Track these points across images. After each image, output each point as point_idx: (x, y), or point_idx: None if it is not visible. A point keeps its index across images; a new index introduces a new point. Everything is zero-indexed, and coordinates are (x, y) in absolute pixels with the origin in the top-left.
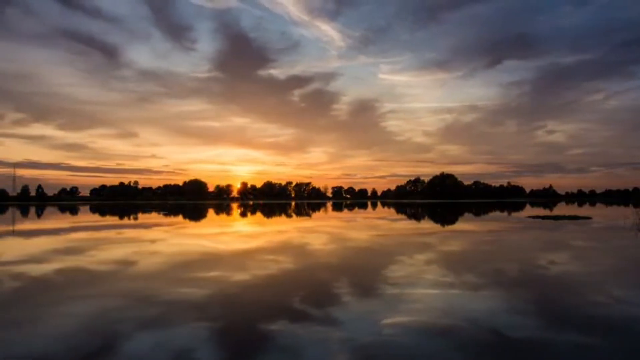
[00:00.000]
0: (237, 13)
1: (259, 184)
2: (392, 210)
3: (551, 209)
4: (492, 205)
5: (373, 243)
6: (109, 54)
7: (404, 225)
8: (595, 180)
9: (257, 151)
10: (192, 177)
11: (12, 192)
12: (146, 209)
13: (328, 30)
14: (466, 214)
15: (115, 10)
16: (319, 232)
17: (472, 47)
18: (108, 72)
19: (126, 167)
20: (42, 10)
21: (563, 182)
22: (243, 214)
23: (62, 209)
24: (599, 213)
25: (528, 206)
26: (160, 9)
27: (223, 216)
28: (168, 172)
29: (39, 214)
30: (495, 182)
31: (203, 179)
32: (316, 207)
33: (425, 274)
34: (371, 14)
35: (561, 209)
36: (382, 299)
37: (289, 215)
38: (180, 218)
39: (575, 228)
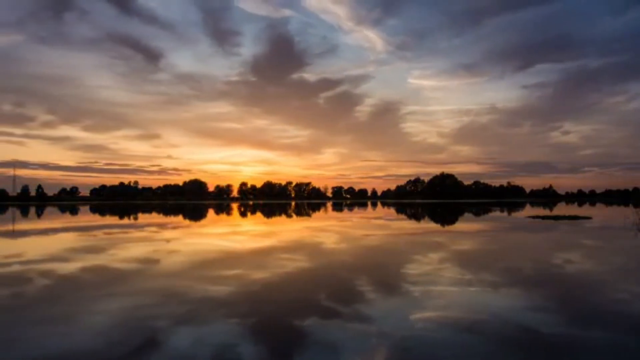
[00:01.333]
0: (285, 19)
1: (259, 184)
2: (393, 210)
3: (551, 209)
4: (492, 205)
5: (383, 242)
6: (152, 58)
7: (409, 225)
8: (595, 180)
9: (272, 152)
10: (202, 177)
11: (12, 192)
12: (147, 209)
13: (370, 36)
14: (468, 214)
15: (169, 16)
16: (328, 232)
17: (505, 52)
18: (145, 75)
19: (129, 167)
20: (99, 15)
21: (564, 182)
22: (247, 214)
23: (65, 209)
24: (599, 213)
25: (528, 206)
26: (212, 15)
27: (228, 216)
28: (170, 172)
29: (46, 214)
30: (497, 182)
31: (212, 179)
32: (317, 207)
33: (441, 272)
34: (413, 21)
35: (561, 209)
36: (405, 295)
37: (292, 216)
38: (186, 218)
39: (576, 228)
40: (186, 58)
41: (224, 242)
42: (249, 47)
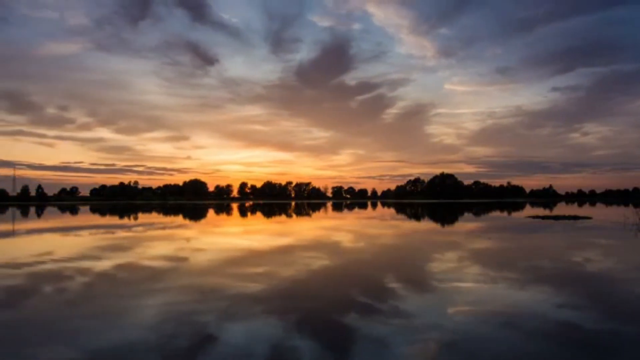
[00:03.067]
0: (346, 28)
1: (259, 184)
2: (395, 210)
3: (551, 209)
4: (493, 205)
5: (398, 241)
6: (206, 63)
7: (418, 225)
8: (595, 180)
9: (290, 153)
10: (210, 177)
11: (12, 192)
12: (151, 209)
13: (420, 43)
14: (472, 215)
15: (236, 23)
16: (340, 231)
17: (545, 57)
18: (189, 80)
19: (134, 167)
20: (171, 22)
21: (569, 182)
22: (253, 214)
23: (70, 210)
24: (599, 213)
25: (528, 206)
26: (278, 24)
27: (235, 216)
28: (170, 171)
29: (54, 214)
30: (502, 182)
31: (214, 179)
32: (318, 207)
33: (462, 269)
34: (464, 30)
35: (561, 209)
36: (436, 291)
37: (298, 215)
38: (195, 218)
39: (576, 228)
40: (238, 64)
41: (242, 241)
42: (302, 54)
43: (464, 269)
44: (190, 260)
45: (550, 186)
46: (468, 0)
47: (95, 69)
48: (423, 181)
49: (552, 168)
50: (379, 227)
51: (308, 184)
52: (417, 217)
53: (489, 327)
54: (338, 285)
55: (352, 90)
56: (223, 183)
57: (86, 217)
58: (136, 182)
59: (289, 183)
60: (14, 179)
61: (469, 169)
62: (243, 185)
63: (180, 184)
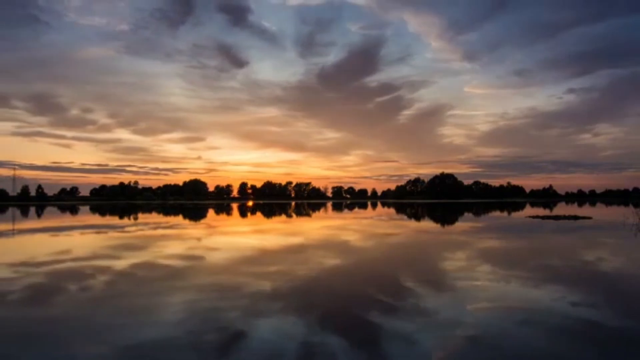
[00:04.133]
0: (376, 32)
1: (259, 184)
2: (394, 210)
3: (551, 209)
4: (493, 205)
5: (405, 240)
6: (235, 66)
7: (422, 224)
8: (595, 180)
9: (300, 153)
10: (217, 177)
11: (12, 192)
12: (155, 210)
13: (447, 47)
14: (475, 215)
15: (272, 27)
16: (347, 230)
17: (566, 60)
18: (213, 83)
19: (139, 168)
20: (210, 26)
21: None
22: (257, 214)
23: (75, 210)
24: (598, 213)
25: (528, 206)
26: (310, 27)
27: (240, 216)
28: (168, 171)
29: (60, 215)
30: (502, 182)
31: (215, 180)
32: (319, 207)
33: (474, 268)
34: (490, 35)
35: (561, 209)
36: (452, 288)
37: (303, 215)
38: (200, 218)
39: (577, 228)
40: (265, 67)
41: (252, 240)
42: (329, 57)
43: (474, 268)
44: (205, 259)
45: (550, 186)
46: (498, 6)
47: (125, 72)
48: (423, 181)
49: (559, 168)
50: (384, 226)
51: (308, 184)
52: (420, 217)
53: (509, 323)
54: (355, 283)
55: (372, 92)
56: (223, 183)
57: (91, 217)
58: (136, 182)
59: (289, 183)
60: (13, 179)
61: (472, 169)
62: (243, 185)
63: (180, 184)
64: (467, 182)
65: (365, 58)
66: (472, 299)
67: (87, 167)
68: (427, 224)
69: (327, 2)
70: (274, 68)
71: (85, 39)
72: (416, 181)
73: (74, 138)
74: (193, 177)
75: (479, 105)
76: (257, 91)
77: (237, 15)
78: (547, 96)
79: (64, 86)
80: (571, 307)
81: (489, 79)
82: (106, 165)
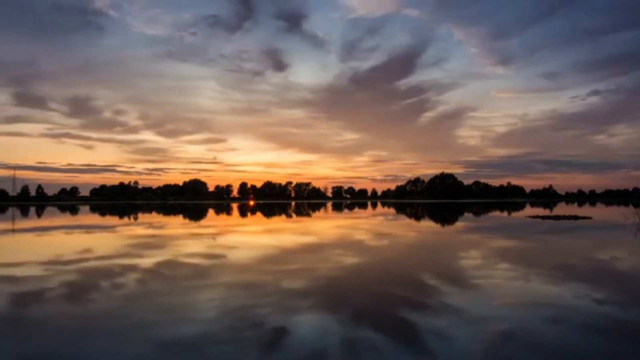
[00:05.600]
0: (418, 39)
1: (259, 184)
2: (396, 210)
3: (551, 209)
4: (493, 205)
5: (418, 239)
6: (273, 70)
7: (429, 224)
8: (595, 180)
9: (315, 154)
10: (217, 177)
11: (11, 192)
12: (158, 210)
13: (483, 51)
14: (473, 215)
15: (322, 34)
16: (358, 229)
17: (599, 63)
18: (245, 86)
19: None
20: (263, 30)
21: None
22: (264, 214)
23: (78, 210)
24: (598, 213)
25: (528, 206)
26: (358, 32)
27: (246, 216)
28: (156, 172)
29: (66, 215)
30: (503, 182)
31: (214, 180)
32: (318, 207)
33: (492, 266)
34: (527, 41)
35: (561, 209)
36: (473, 286)
37: (310, 215)
38: (208, 218)
39: (577, 228)
40: (303, 71)
41: (268, 239)
42: (368, 61)
43: (490, 266)
44: (226, 258)
45: (550, 186)
46: (539, 15)
47: (163, 75)
48: (423, 181)
49: (562, 168)
50: (391, 226)
51: (308, 184)
52: (424, 217)
53: (536, 319)
54: (377, 280)
55: (400, 94)
56: (223, 183)
57: (98, 217)
58: (136, 182)
59: (289, 183)
60: (13, 179)
61: (471, 169)
62: (243, 185)
63: (180, 184)
64: (467, 182)
65: (403, 62)
66: (496, 296)
67: (92, 167)
68: (433, 224)
69: (383, 13)
70: (312, 71)
71: (132, 45)
72: (416, 181)
73: (99, 139)
74: (197, 176)
75: (501, 108)
76: (285, 94)
77: (293, 22)
78: (570, 98)
79: (103, 89)
80: (595, 304)
81: (517, 83)
82: (113, 166)
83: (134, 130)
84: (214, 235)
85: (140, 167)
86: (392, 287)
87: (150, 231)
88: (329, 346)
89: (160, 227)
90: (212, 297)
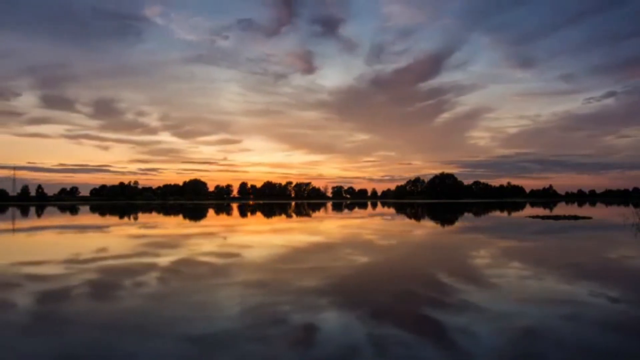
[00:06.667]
0: (445, 43)
1: (259, 184)
2: (401, 210)
3: (551, 209)
4: (493, 205)
5: (426, 239)
6: (299, 73)
7: (435, 224)
8: (595, 180)
9: (325, 155)
10: (217, 177)
11: (11, 192)
12: (161, 210)
13: (507, 55)
14: (474, 215)
15: (356, 38)
16: (366, 229)
17: (615, 66)
18: (267, 88)
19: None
20: (299, 35)
21: (565, 182)
22: (269, 214)
23: (82, 210)
24: (598, 213)
25: (528, 206)
26: (390, 36)
27: (253, 216)
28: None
29: (70, 215)
30: (497, 183)
31: (221, 179)
32: (318, 207)
33: (501, 265)
34: (555, 44)
35: (561, 209)
36: (489, 284)
37: (315, 215)
38: (214, 218)
39: (577, 228)
40: (328, 74)
41: (279, 239)
42: (393, 64)
43: (498, 265)
44: (241, 257)
45: (550, 186)
46: (564, 22)
47: (189, 78)
48: (423, 181)
49: (573, 168)
50: (397, 225)
51: (308, 184)
52: (426, 217)
53: (555, 316)
54: (392, 278)
55: (419, 96)
56: (223, 183)
57: (104, 217)
58: (136, 182)
59: (289, 183)
60: (13, 179)
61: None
62: (243, 185)
63: (181, 184)
64: (468, 182)
65: (428, 65)
66: (513, 293)
67: (85, 167)
68: (435, 224)
69: (418, 22)
70: (337, 74)
71: (166, 49)
72: (416, 181)
73: (116, 140)
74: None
75: (515, 109)
76: (305, 96)
77: (329, 27)
78: (585, 99)
79: (129, 92)
80: (608, 301)
81: (535, 85)
82: (106, 166)
83: (152, 131)
84: (221, 235)
85: (147, 166)
86: (408, 284)
87: (159, 231)
88: (357, 341)
89: (167, 227)
90: (231, 294)
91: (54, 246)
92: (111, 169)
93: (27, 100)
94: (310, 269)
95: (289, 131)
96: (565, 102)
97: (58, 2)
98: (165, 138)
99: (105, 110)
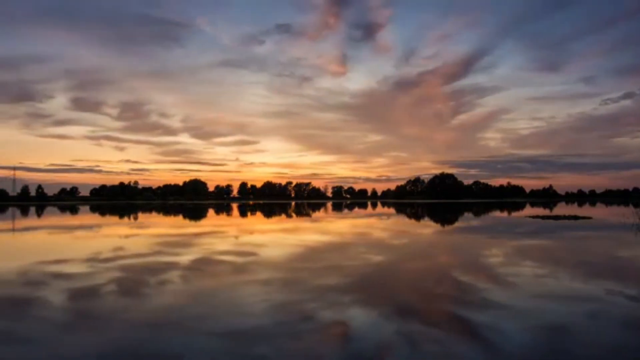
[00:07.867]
0: (477, 49)
1: (259, 184)
2: (402, 210)
3: (551, 209)
4: (493, 205)
5: (436, 238)
6: (327, 76)
7: (441, 224)
8: (595, 180)
9: (336, 155)
10: (218, 177)
11: (11, 192)
12: (162, 210)
13: (532, 59)
14: (475, 215)
15: (390, 42)
16: (376, 228)
17: (633, 69)
18: (291, 91)
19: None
20: (336, 40)
21: (565, 182)
22: (273, 214)
23: (83, 210)
24: (598, 213)
25: (528, 206)
26: (422, 40)
27: (257, 216)
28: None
29: (73, 215)
30: (496, 182)
31: (221, 179)
32: (318, 207)
33: (516, 264)
34: (578, 48)
35: (561, 209)
36: (506, 282)
37: (320, 215)
38: (219, 218)
39: (577, 228)
40: (355, 77)
41: (290, 238)
42: (420, 67)
43: (516, 266)
44: (257, 256)
45: (550, 186)
46: (601, 23)
47: (216, 81)
48: (423, 181)
49: (567, 168)
50: (409, 225)
51: (308, 184)
52: (427, 217)
53: (579, 314)
54: (410, 277)
55: (441, 98)
56: (223, 183)
57: (111, 218)
58: (136, 182)
59: (289, 183)
60: (13, 179)
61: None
62: (243, 185)
63: (180, 183)
64: (466, 182)
65: (455, 68)
66: (532, 291)
67: (71, 167)
68: (436, 224)
69: (453, 29)
70: (364, 77)
71: (202, 54)
72: (416, 181)
73: (134, 141)
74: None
75: (532, 111)
76: (327, 98)
77: (368, 32)
78: (603, 100)
79: (158, 94)
80: (625, 299)
81: (556, 88)
82: (95, 166)
83: (172, 132)
84: (231, 235)
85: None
86: (427, 282)
87: (164, 230)
88: (388, 337)
89: (175, 227)
90: (257, 292)
91: (64, 246)
92: (111, 169)
93: (58, 103)
94: (327, 267)
95: (304, 132)
96: (583, 104)
97: (108, 8)
98: (184, 139)
99: (130, 113)
